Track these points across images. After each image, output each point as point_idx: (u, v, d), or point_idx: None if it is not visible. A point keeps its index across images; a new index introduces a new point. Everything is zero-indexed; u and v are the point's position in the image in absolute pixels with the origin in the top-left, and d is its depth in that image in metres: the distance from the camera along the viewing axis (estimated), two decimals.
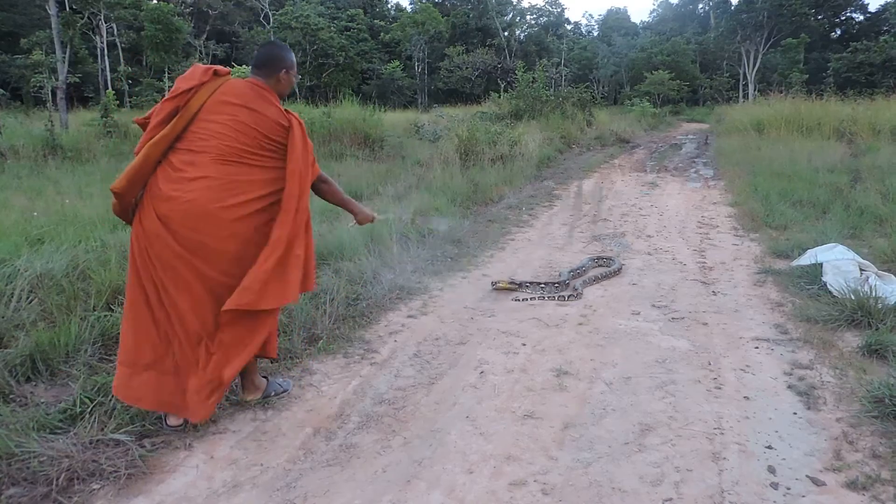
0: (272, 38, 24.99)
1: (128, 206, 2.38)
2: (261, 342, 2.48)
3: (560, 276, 4.51)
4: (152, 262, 2.30)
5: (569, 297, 4.17)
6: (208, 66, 2.46)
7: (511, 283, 4.34)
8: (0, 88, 22.82)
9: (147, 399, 2.36)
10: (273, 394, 2.73)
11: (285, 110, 2.48)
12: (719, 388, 2.83)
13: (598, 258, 5.05)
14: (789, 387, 2.82)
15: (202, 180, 2.28)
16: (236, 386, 2.72)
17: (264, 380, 2.75)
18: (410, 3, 48.76)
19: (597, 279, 4.58)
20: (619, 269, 4.81)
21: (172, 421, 2.44)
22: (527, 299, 4.14)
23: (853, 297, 3.58)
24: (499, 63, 39.14)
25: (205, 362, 2.34)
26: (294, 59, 2.59)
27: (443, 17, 40.41)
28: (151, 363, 2.34)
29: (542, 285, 4.33)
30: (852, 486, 2.10)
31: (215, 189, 2.29)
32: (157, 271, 2.30)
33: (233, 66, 13.31)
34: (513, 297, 4.16)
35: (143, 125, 2.42)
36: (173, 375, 2.36)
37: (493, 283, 4.34)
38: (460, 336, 3.51)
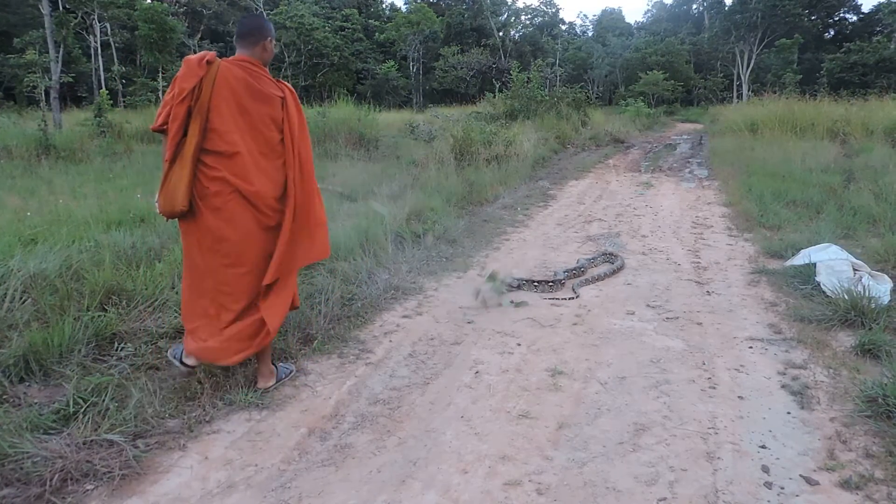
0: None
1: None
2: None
3: (555, 275, 4.52)
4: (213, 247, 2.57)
5: (569, 298, 4.17)
6: (198, 56, 2.49)
7: (509, 283, 4.33)
8: None
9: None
10: (284, 377, 2.86)
11: (276, 80, 2.64)
12: (713, 388, 2.84)
13: (596, 257, 5.05)
14: (783, 386, 2.83)
15: (259, 171, 2.55)
16: (237, 384, 2.73)
17: (274, 367, 2.86)
18: (405, 3, 48.80)
19: (600, 277, 4.59)
20: (622, 266, 4.82)
21: (191, 361, 2.67)
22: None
23: (847, 297, 3.60)
24: (494, 63, 39.18)
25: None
26: (273, 29, 2.74)
27: (438, 17, 40.41)
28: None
29: (536, 283, 4.33)
30: (846, 485, 2.11)
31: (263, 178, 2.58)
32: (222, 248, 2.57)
33: None
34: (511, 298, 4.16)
35: (161, 131, 2.53)
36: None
37: None
38: (455, 336, 3.51)
